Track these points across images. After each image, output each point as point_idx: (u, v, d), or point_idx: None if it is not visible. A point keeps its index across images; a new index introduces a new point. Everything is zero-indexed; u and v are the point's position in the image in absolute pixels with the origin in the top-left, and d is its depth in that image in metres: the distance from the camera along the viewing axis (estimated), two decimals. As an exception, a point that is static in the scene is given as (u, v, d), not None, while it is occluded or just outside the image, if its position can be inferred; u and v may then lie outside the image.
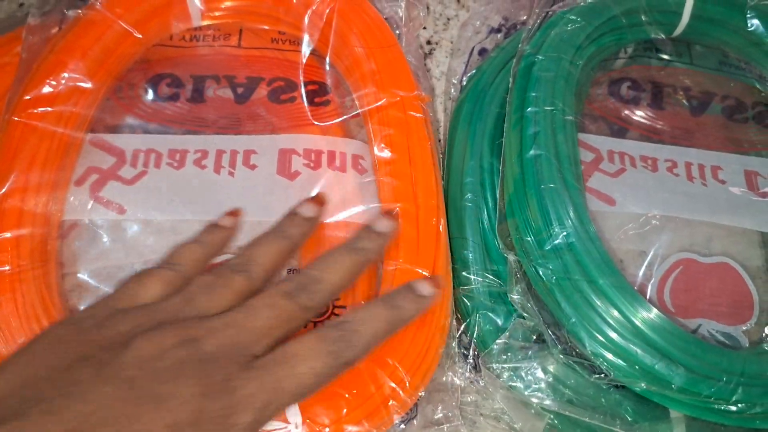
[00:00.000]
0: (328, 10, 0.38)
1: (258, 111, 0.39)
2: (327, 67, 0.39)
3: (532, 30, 0.40)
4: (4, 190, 0.32)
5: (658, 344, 0.30)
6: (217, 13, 0.39)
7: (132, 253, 0.34)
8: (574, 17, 0.39)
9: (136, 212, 0.35)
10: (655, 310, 0.30)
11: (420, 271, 0.32)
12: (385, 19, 0.40)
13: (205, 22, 0.39)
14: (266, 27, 0.40)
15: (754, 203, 0.37)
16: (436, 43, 0.46)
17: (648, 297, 0.35)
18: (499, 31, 0.45)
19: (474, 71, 0.43)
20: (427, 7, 0.46)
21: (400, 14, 0.41)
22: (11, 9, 0.44)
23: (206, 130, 0.38)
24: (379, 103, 0.37)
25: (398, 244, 0.33)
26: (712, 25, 0.41)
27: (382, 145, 0.36)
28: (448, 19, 0.47)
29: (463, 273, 0.34)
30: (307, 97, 0.39)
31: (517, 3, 0.45)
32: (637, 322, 0.30)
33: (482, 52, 0.44)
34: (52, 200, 0.33)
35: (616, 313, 0.30)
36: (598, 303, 0.30)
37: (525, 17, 0.45)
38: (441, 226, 0.34)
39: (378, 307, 0.29)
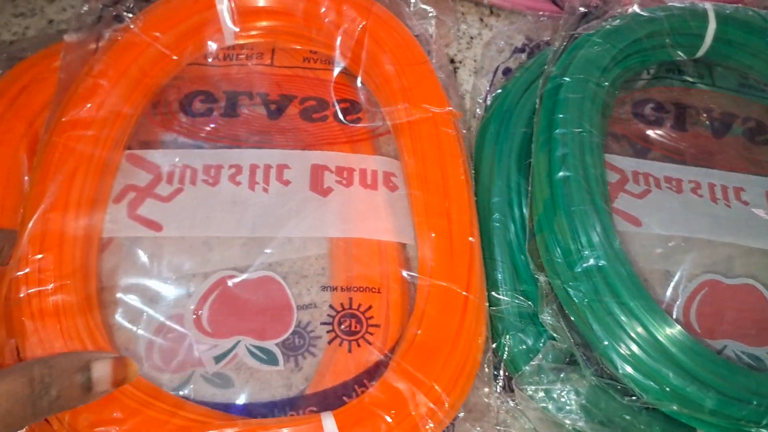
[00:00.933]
0: (359, 30, 0.39)
1: (290, 127, 0.39)
2: (358, 85, 0.40)
3: (558, 52, 0.40)
4: (43, 208, 0.32)
5: (690, 367, 0.30)
6: (250, 33, 0.40)
7: (167, 268, 0.35)
8: (600, 39, 0.39)
9: (173, 229, 0.35)
10: (685, 333, 0.31)
11: (455, 288, 0.33)
12: (415, 36, 0.40)
13: (239, 42, 0.40)
14: (298, 47, 0.41)
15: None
16: (460, 62, 0.46)
17: (674, 318, 0.35)
18: (522, 50, 0.46)
19: (499, 91, 0.43)
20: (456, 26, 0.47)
21: (430, 31, 0.41)
22: (41, 25, 0.44)
23: (240, 145, 0.38)
24: (411, 119, 0.37)
25: (433, 259, 0.34)
26: (733, 48, 0.42)
27: (415, 159, 0.36)
28: (471, 38, 0.47)
29: (493, 293, 0.35)
30: (338, 115, 0.40)
31: (540, 23, 0.46)
32: (669, 345, 0.31)
33: (506, 71, 0.45)
34: (92, 219, 0.34)
35: (647, 335, 0.31)
36: (630, 325, 0.31)
37: (548, 37, 0.46)
38: (475, 243, 0.35)
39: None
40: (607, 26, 0.40)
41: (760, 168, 0.41)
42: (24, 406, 0.24)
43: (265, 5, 0.39)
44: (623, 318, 0.31)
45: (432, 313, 0.33)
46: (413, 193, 0.36)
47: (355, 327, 0.34)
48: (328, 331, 0.34)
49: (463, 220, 0.35)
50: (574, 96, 0.37)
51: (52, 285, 0.31)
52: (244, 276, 0.35)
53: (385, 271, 0.35)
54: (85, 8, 0.38)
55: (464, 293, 0.33)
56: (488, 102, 0.43)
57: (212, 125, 0.39)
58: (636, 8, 0.41)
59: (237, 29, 0.39)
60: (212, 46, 0.39)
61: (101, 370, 0.27)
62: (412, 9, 0.42)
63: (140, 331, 0.33)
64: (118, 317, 0.34)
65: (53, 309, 0.30)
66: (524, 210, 0.37)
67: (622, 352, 0.31)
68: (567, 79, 0.38)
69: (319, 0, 0.39)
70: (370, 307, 0.35)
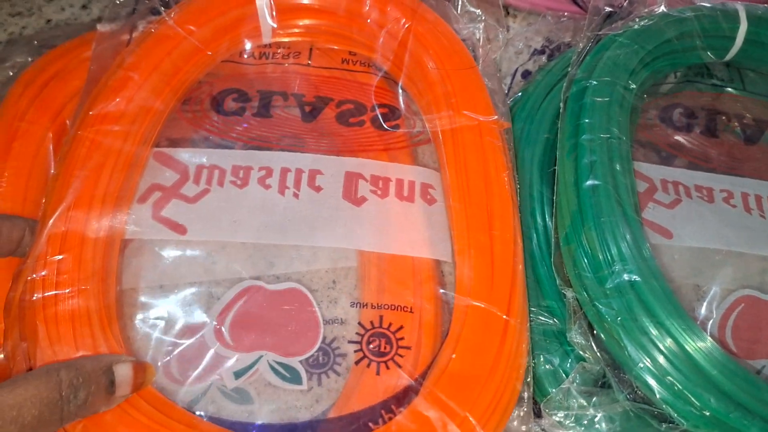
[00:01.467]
0: (403, 31, 0.37)
1: (324, 131, 0.38)
2: (399, 90, 0.38)
3: (582, 53, 0.38)
4: (65, 204, 0.31)
5: (733, 391, 0.28)
6: (290, 31, 0.38)
7: (190, 273, 0.33)
8: (627, 41, 0.37)
9: (197, 233, 0.34)
10: (726, 354, 0.28)
11: (494, 310, 0.31)
12: (462, 40, 0.38)
13: (277, 40, 0.38)
14: (337, 47, 0.39)
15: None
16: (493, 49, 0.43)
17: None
18: (542, 52, 0.44)
19: (519, 94, 0.41)
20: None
21: (478, 36, 0.39)
22: (38, 25, 0.43)
23: (271, 147, 0.37)
24: (455, 126, 0.35)
25: (472, 278, 0.31)
26: (765, 51, 0.40)
27: (456, 170, 0.34)
28: (489, 39, 0.45)
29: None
30: (376, 120, 0.38)
31: (560, 24, 0.44)
32: (709, 367, 0.28)
33: (525, 74, 0.43)
34: (115, 218, 0.32)
35: (685, 356, 0.29)
36: (666, 345, 0.29)
37: (569, 39, 0.44)
38: (519, 263, 0.32)
39: None
40: (635, 27, 0.38)
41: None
42: (52, 411, 0.23)
43: (306, 2, 0.38)
44: (660, 338, 0.29)
45: (469, 337, 0.30)
46: (454, 206, 0.34)
47: (385, 348, 0.32)
48: (355, 351, 0.32)
49: (507, 237, 0.33)
50: (601, 100, 0.35)
51: (69, 289, 0.29)
52: (270, 286, 0.33)
53: (418, 289, 0.33)
54: (120, -1, 0.36)
55: (504, 317, 0.31)
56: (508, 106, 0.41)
57: (244, 125, 0.37)
58: (663, 8, 0.39)
59: (275, 26, 0.37)
60: (248, 43, 0.38)
61: (123, 373, 0.27)
62: (459, 11, 0.40)
63: (158, 340, 0.31)
64: (137, 324, 0.32)
65: (69, 314, 0.29)
66: (548, 220, 0.35)
67: (659, 374, 0.29)
68: (593, 82, 0.36)
69: (363, -2, 0.37)
70: (401, 327, 0.32)
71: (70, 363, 0.25)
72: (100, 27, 0.36)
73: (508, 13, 0.46)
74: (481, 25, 0.39)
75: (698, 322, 0.33)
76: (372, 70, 0.39)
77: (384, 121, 0.38)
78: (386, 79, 0.39)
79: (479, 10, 0.40)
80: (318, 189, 0.35)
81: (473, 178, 0.34)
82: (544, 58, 0.43)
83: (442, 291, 0.33)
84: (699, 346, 0.29)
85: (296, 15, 0.38)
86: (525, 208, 0.36)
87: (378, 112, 0.38)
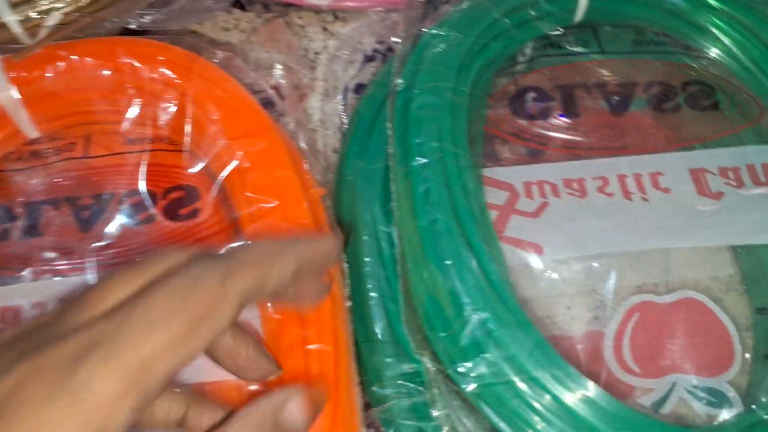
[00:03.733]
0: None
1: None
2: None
3: (402, 58, 0.33)
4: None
5: None
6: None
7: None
8: (447, 32, 0.32)
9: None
10: (614, 400, 0.24)
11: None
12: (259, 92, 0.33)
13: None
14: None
15: (710, 211, 0.31)
16: (307, 86, 0.38)
17: (605, 362, 0.28)
18: (373, 59, 0.38)
19: (353, 115, 0.36)
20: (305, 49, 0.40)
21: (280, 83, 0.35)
22: None
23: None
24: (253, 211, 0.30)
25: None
26: (618, 1, 0.35)
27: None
28: (317, 53, 0.40)
29: (375, 388, 0.28)
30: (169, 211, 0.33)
31: (388, 20, 0.38)
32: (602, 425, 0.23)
33: (359, 88, 0.37)
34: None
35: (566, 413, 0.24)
36: (543, 406, 0.24)
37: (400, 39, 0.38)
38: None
39: None
40: (455, 14, 0.33)
41: (678, 141, 0.34)
42: None
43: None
44: (534, 398, 0.24)
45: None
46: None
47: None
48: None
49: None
50: (427, 112, 0.30)
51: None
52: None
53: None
54: None
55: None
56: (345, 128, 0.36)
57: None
58: None
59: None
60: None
61: (294, 411, 0.21)
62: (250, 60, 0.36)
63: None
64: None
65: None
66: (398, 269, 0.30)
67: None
68: (416, 91, 0.31)
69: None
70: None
71: None
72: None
73: (336, 17, 0.41)
74: (280, 70, 0.35)
75: (589, 349, 0.29)
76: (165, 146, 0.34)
77: (178, 209, 0.33)
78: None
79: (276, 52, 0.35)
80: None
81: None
82: (376, 64, 0.38)
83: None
84: (582, 397, 0.24)
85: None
86: (374, 258, 0.30)
87: (169, 197, 0.33)
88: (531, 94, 0.35)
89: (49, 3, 0.30)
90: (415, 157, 0.29)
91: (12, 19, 0.30)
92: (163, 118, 0.33)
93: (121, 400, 0.16)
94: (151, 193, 0.33)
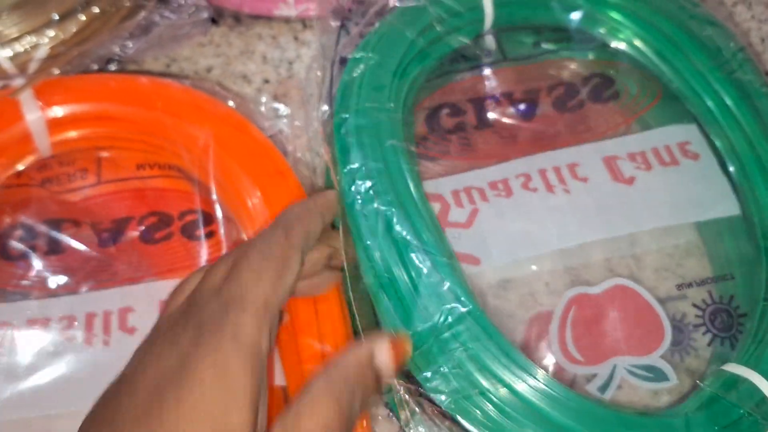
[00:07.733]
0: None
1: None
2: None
3: (327, 86, 0.33)
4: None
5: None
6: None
7: None
8: (368, 55, 0.32)
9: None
10: (563, 387, 0.25)
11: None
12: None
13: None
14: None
15: (624, 197, 0.33)
16: (284, 95, 0.38)
17: (554, 355, 0.30)
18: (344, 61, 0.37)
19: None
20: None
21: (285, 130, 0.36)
22: None
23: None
24: None
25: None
26: (515, 5, 0.36)
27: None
28: (290, 63, 0.40)
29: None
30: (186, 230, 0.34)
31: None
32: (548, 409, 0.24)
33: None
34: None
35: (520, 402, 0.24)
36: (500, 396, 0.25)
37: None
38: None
39: None
40: (374, 36, 0.33)
41: (588, 133, 0.35)
42: None
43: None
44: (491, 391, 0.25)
45: None
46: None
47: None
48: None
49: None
50: (361, 135, 0.29)
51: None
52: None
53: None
54: None
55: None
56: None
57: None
58: (396, 2, 0.34)
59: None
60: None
61: (383, 357, 0.24)
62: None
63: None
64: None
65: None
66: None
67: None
68: (345, 115, 0.30)
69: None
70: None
71: (336, 375, 0.23)
72: None
73: (305, 26, 0.41)
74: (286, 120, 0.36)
75: (538, 347, 0.30)
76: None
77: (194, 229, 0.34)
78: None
79: (282, 105, 0.37)
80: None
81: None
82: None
83: None
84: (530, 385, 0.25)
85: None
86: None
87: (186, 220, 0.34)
88: (445, 110, 0.36)
89: (36, 38, 0.32)
90: (351, 199, 0.28)
91: (1, 56, 0.31)
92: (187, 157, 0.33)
93: (263, 329, 0.22)
94: (167, 216, 0.34)
